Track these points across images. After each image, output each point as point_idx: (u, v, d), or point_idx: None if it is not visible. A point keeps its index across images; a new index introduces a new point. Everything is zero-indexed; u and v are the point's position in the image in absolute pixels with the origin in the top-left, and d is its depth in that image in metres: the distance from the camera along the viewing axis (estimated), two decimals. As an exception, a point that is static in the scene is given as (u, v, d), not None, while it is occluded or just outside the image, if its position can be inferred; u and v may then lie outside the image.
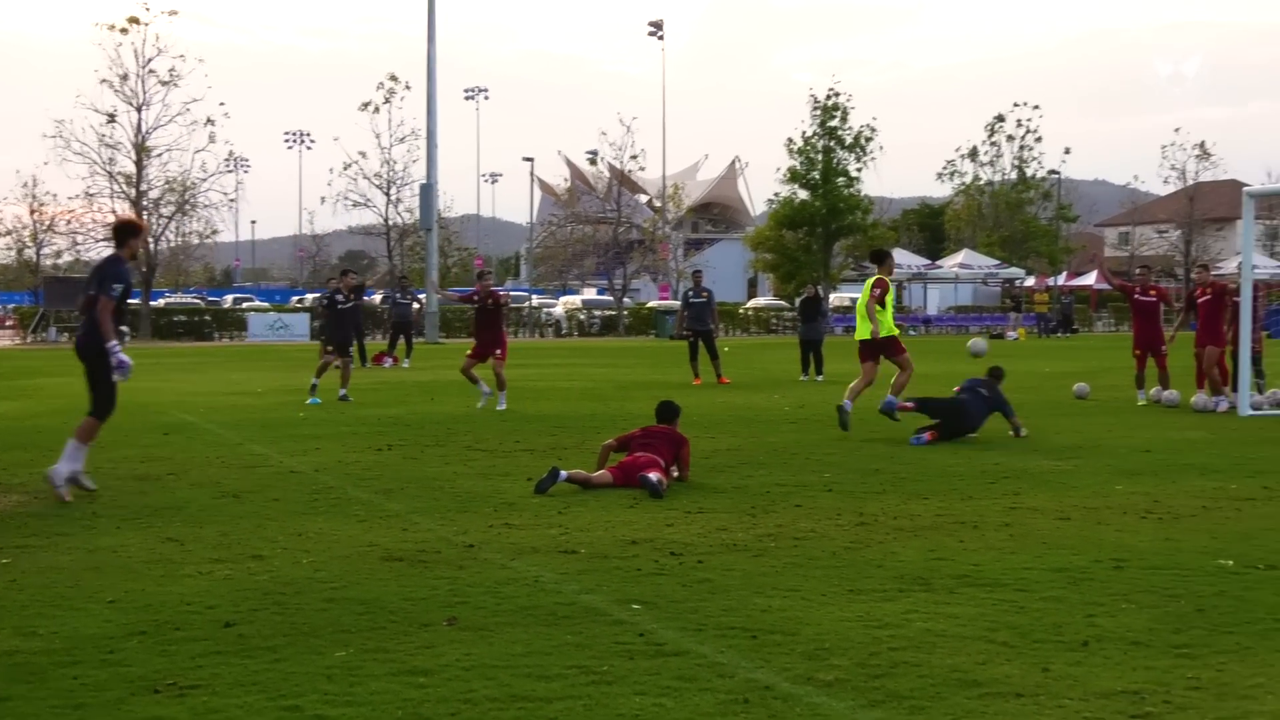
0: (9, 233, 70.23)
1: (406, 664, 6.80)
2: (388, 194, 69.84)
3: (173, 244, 65.99)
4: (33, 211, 69.17)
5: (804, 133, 72.39)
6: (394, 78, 69.57)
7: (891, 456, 15.43)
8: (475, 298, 22.47)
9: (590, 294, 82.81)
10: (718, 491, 12.74)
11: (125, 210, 60.17)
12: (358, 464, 14.89)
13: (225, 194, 66.01)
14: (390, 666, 6.76)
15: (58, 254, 69.08)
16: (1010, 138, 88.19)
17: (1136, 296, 23.09)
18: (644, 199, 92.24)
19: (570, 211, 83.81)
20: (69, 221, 63.58)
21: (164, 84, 60.71)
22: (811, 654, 6.99)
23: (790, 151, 72.60)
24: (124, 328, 12.85)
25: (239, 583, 8.71)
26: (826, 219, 71.50)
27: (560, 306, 74.40)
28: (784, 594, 8.36)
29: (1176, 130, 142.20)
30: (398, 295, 39.22)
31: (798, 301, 37.45)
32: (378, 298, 57.41)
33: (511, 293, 69.59)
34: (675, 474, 13.20)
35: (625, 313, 70.81)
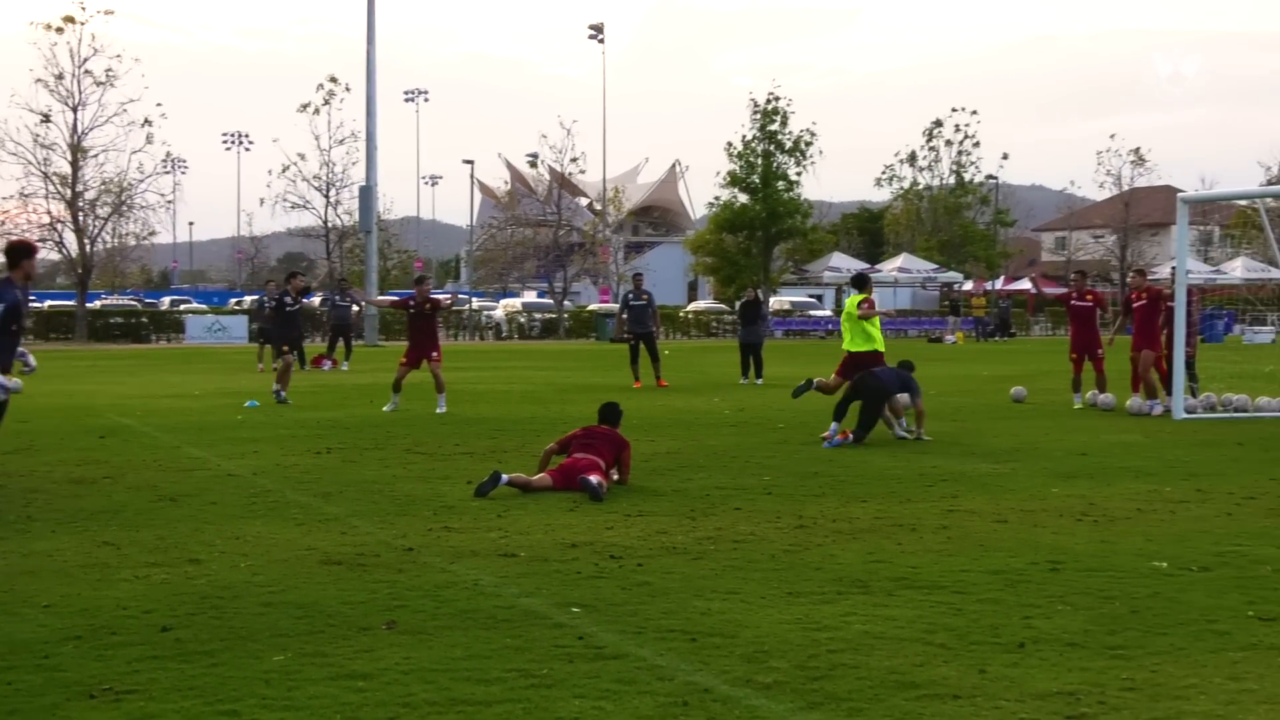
0: (-59, 233, 69.36)
1: (345, 668, 6.78)
2: (327, 196, 69.42)
3: (109, 245, 65.24)
4: (-36, 212, 68.34)
5: (744, 137, 72.53)
6: (334, 79, 69.15)
7: (830, 460, 15.49)
8: (411, 303, 22.28)
9: (531, 297, 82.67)
10: (658, 495, 12.75)
11: (61, 211, 59.63)
12: (296, 467, 14.81)
13: (162, 195, 65.45)
14: (329, 670, 6.74)
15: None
16: (948, 143, 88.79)
17: (1073, 302, 23.28)
18: (584, 202, 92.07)
19: (510, 214, 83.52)
20: (2, 222, 62.80)
21: (100, 84, 60.07)
22: (751, 656, 7.01)
23: (730, 155, 72.73)
24: (21, 349, 12.58)
25: (176, 587, 8.66)
26: (766, 223, 71.63)
27: (500, 309, 74.23)
28: (723, 597, 8.39)
29: (1112, 136, 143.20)
30: (337, 298, 39.07)
31: (737, 305, 37.53)
32: (317, 300, 57.13)
33: (459, 295, 69.47)
34: (615, 477, 13.21)
35: (566, 316, 70.71)
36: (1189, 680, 6.61)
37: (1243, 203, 76.84)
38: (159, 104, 63.66)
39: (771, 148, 72.24)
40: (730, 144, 72.76)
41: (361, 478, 13.90)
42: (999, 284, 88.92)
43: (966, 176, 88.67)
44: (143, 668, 6.79)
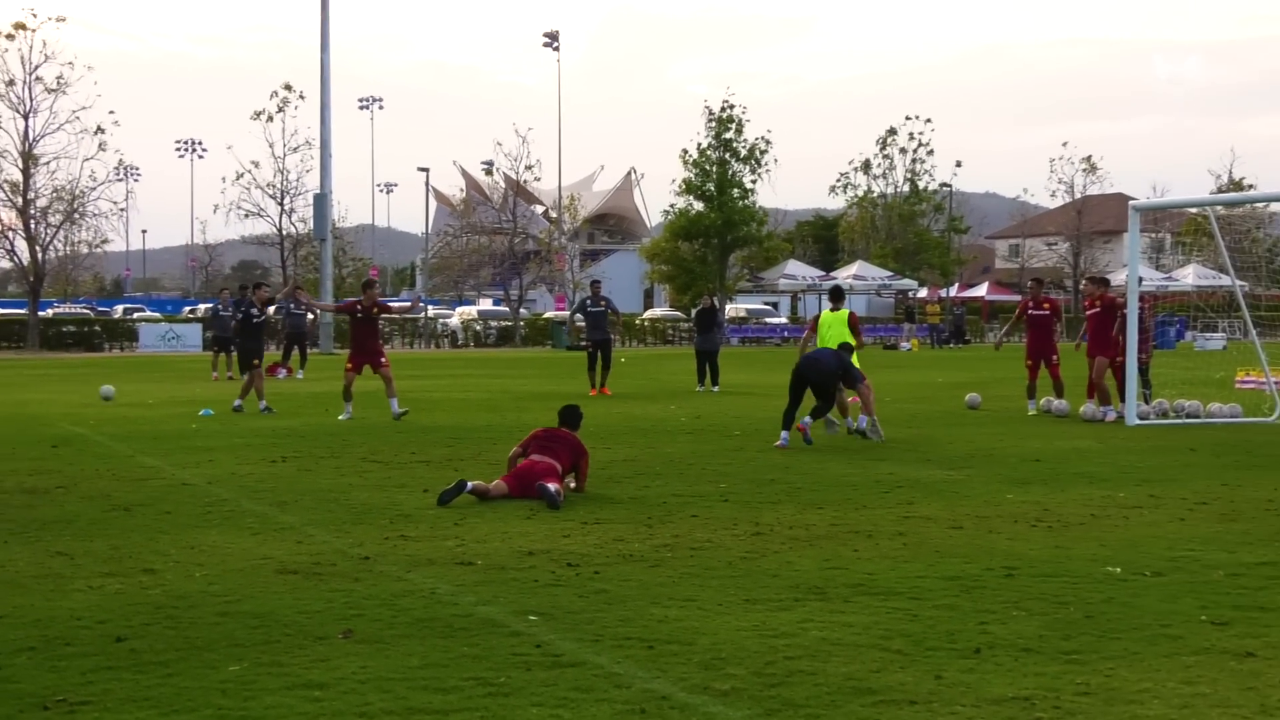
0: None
1: (302, 677, 6.76)
2: (281, 204, 69.15)
3: (61, 253, 64.71)
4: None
5: (699, 145, 72.65)
6: (288, 86, 68.84)
7: (787, 467, 15.53)
8: (359, 308, 22.16)
9: (486, 305, 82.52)
10: (614, 502, 12.76)
11: (12, 219, 59.16)
12: (251, 476, 14.74)
13: (115, 203, 64.96)
14: (285, 680, 6.71)
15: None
16: (902, 151, 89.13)
17: (1030, 310, 23.44)
18: (540, 210, 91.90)
19: (466, 222, 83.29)
20: (-48, 229, 62.23)
21: (51, 91, 59.62)
22: (708, 663, 7.02)
23: (685, 163, 72.83)
24: None
25: (130, 597, 8.61)
26: (722, 231, 71.77)
27: (456, 317, 74.06)
28: (681, 604, 8.40)
29: (1064, 144, 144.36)
30: (291, 306, 38.92)
31: (693, 312, 37.55)
32: (271, 309, 56.80)
33: (422, 301, 69.21)
34: (572, 485, 13.20)
35: (521, 324, 70.64)
36: (1143, 684, 6.66)
37: (1194, 210, 77.44)
38: (111, 111, 62.88)
39: (727, 155, 72.41)
40: (685, 152, 72.93)
41: (317, 486, 13.85)
42: (953, 291, 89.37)
43: (920, 184, 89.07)
44: (97, 679, 6.75)
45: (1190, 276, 75.61)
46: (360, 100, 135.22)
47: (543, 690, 6.55)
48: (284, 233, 69.85)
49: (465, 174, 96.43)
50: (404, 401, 21.94)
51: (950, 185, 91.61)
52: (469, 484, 12.65)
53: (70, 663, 7.04)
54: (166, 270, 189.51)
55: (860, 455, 16.72)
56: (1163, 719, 6.18)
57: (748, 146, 72.81)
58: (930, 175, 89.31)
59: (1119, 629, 7.75)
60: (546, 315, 75.49)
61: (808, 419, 17.76)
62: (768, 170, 73.42)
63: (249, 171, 68.98)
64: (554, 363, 45.75)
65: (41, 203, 60.69)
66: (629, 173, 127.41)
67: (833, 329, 19.88)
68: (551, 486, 12.39)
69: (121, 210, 67.60)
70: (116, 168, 65.33)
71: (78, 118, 60.02)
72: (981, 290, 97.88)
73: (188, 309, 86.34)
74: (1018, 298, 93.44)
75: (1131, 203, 23.15)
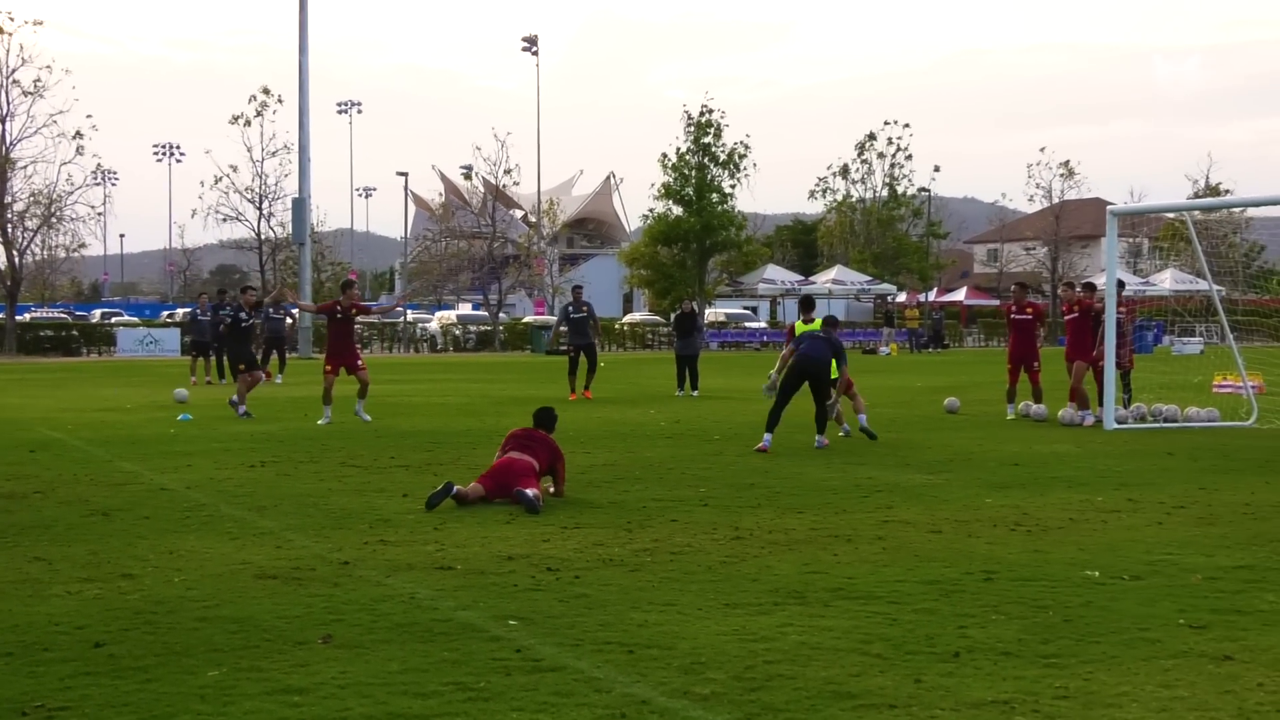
0: None
1: (281, 683, 6.74)
2: (260, 208, 68.91)
3: (38, 258, 64.51)
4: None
5: (678, 149, 72.76)
6: (266, 91, 68.65)
7: (766, 471, 15.54)
8: (339, 308, 22.15)
9: (466, 309, 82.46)
10: (594, 507, 12.75)
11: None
12: (230, 481, 14.71)
13: (93, 207, 64.63)
14: (264, 685, 6.70)
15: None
16: (881, 155, 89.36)
17: (1013, 315, 23.52)
18: (519, 214, 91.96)
19: (445, 226, 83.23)
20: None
21: (28, 94, 59.42)
22: (688, 668, 7.03)
23: (664, 168, 72.92)
24: None
25: (109, 602, 8.58)
26: (701, 235, 71.87)
27: (435, 322, 73.99)
28: (660, 608, 8.40)
29: (1042, 149, 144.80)
30: (270, 310, 38.84)
31: (673, 317, 37.53)
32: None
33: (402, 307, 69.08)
34: (551, 490, 13.20)
35: (501, 328, 70.59)
36: (1121, 688, 6.68)
37: (1171, 215, 77.68)
38: (89, 115, 62.94)
39: (705, 160, 72.50)
40: (664, 156, 73.03)
41: (296, 491, 13.82)
42: (932, 296, 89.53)
43: (899, 189, 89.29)
44: (76, 684, 6.72)
45: (1168, 281, 75.90)
46: (339, 104, 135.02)
47: (523, 695, 6.54)
48: (262, 237, 69.64)
49: (444, 178, 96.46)
50: (383, 406, 21.94)
51: (929, 190, 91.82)
52: (455, 486, 12.64)
53: (48, 668, 7.02)
54: (144, 275, 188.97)
55: (839, 460, 16.74)
56: (1141, 722, 6.20)
57: (726, 151, 72.95)
58: (909, 180, 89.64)
59: (1097, 633, 7.77)
60: (526, 320, 75.42)
61: (820, 438, 18.05)
62: (746, 175, 73.66)
63: (227, 176, 68.78)
64: (533, 367, 45.73)
65: (18, 207, 60.53)
66: (608, 177, 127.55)
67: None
68: (530, 492, 12.38)
69: (99, 214, 67.10)
70: (94, 172, 65.03)
71: (55, 121, 59.87)
72: (960, 295, 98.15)
73: (166, 313, 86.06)
74: (996, 302, 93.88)
75: (1109, 208, 23.25)
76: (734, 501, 13.08)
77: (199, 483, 14.52)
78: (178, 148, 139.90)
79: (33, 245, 61.89)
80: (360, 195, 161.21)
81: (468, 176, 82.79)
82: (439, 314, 79.20)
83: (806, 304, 20.96)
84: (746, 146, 73.50)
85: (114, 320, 73.25)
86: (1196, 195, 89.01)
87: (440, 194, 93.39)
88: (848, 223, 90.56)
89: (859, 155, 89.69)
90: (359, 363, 21.93)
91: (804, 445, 18.04)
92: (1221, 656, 7.26)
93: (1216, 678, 6.87)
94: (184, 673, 6.93)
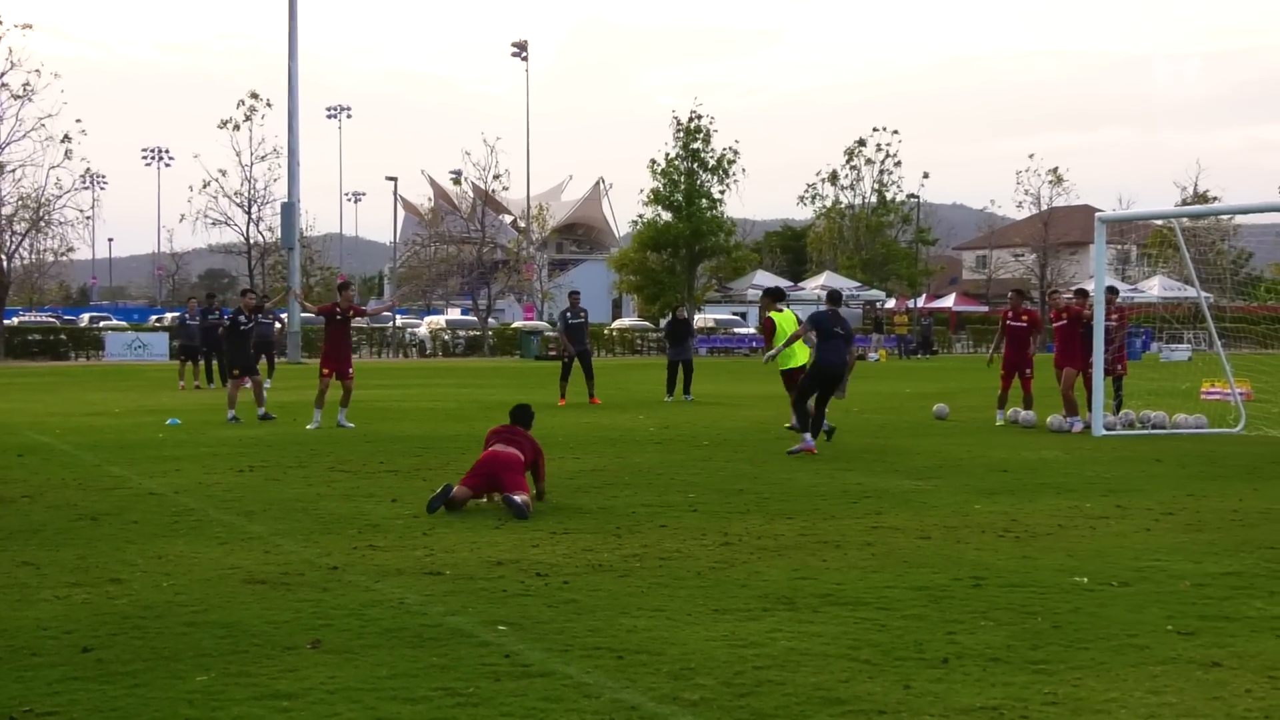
0: None
1: (270, 688, 6.73)
2: (249, 212, 68.79)
3: (27, 262, 64.29)
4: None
5: (667, 155, 72.72)
6: (254, 95, 68.53)
7: (755, 477, 15.55)
8: (338, 310, 22.21)
9: (455, 314, 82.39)
10: (583, 512, 12.75)
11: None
12: (219, 485, 14.69)
13: (81, 211, 64.48)
14: (253, 690, 6.69)
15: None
16: (870, 162, 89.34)
17: (1009, 321, 23.54)
18: (508, 219, 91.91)
19: (434, 231, 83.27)
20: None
21: (17, 98, 59.17)
22: (677, 674, 7.03)
23: (653, 173, 72.88)
24: None
25: (97, 607, 8.56)
26: (690, 241, 71.83)
27: (424, 327, 73.90)
28: (650, 614, 8.40)
29: (1031, 156, 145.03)
30: (259, 315, 38.75)
31: (666, 324, 37.42)
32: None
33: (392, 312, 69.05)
34: (536, 495, 13.20)
35: (490, 333, 70.52)
36: (1110, 694, 6.69)
37: (1159, 222, 77.84)
38: (78, 119, 62.49)
39: (695, 166, 72.46)
40: (654, 162, 72.95)
41: (285, 496, 13.80)
42: (921, 302, 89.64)
43: (888, 195, 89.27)
44: (64, 689, 6.71)
45: (1156, 288, 76.08)
46: (328, 109, 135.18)
47: (512, 700, 6.54)
48: (251, 241, 69.53)
49: (433, 183, 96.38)
50: (371, 411, 21.93)
51: (918, 196, 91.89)
52: (454, 488, 12.66)
53: (36, 673, 7.00)
54: (133, 279, 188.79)
55: (828, 466, 16.75)
56: (1129, 728, 6.21)
57: (716, 157, 72.89)
58: (898, 186, 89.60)
59: (1086, 639, 7.79)
60: (515, 325, 75.37)
61: (808, 437, 18.13)
62: (735, 180, 73.54)
63: (216, 180, 68.69)
64: (522, 372, 45.71)
65: (7, 210, 60.33)
66: (597, 182, 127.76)
67: (788, 330, 20.09)
68: (519, 498, 12.38)
69: (88, 218, 67.28)
70: (83, 175, 64.73)
71: (44, 125, 59.67)
72: (949, 301, 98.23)
73: (154, 318, 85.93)
74: (985, 309, 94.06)
75: (1098, 214, 23.30)
76: (723, 507, 13.09)
77: (187, 487, 14.50)
78: (166, 152, 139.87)
79: (21, 249, 61.73)
80: (349, 200, 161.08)
81: (457, 181, 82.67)
82: (428, 319, 79.08)
83: (777, 294, 21.12)
84: (736, 152, 73.48)
85: (102, 324, 73.05)
86: (1185, 202, 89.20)
87: (429, 199, 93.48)
88: (837, 229, 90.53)
89: (848, 161, 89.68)
90: (350, 370, 22.00)
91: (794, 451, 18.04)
92: (1210, 663, 7.28)
93: (1205, 684, 6.88)
94: (172, 678, 6.92)
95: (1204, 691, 6.75)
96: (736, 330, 74.48)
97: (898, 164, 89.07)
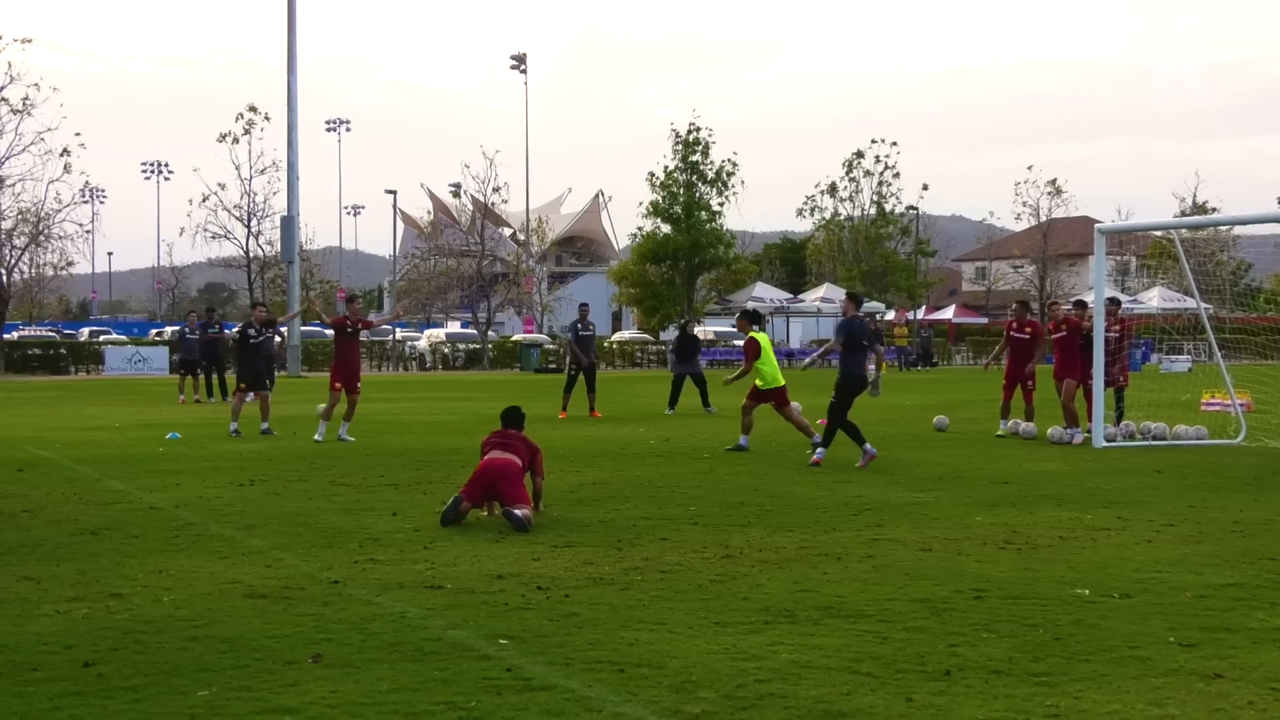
0: None
1: (271, 702, 6.73)
2: (248, 226, 68.87)
3: (26, 276, 64.32)
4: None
5: (666, 167, 72.81)
6: (253, 108, 68.60)
7: (756, 490, 15.54)
8: (348, 323, 22.29)
9: (454, 327, 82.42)
10: (584, 525, 12.75)
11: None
12: (219, 499, 14.68)
13: (81, 225, 64.60)
14: (254, 705, 6.68)
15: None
16: (869, 173, 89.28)
17: (1013, 333, 23.56)
18: (508, 232, 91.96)
19: (433, 244, 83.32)
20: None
21: (17, 112, 59.25)
22: (679, 686, 7.02)
23: (652, 186, 72.98)
24: None
25: (98, 622, 8.55)
26: (689, 253, 71.93)
27: (424, 340, 73.92)
28: (651, 627, 8.39)
29: (1029, 167, 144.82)
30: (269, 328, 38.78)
31: (675, 339, 37.20)
32: (236, 330, 56.62)
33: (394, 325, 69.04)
34: (535, 492, 13.21)
35: (490, 346, 70.55)
36: (1112, 706, 6.68)
37: (1159, 233, 77.88)
38: (78, 133, 62.74)
39: (694, 178, 72.59)
40: (653, 174, 73.08)
41: (286, 510, 13.80)
42: (921, 314, 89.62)
43: (887, 207, 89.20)
44: (64, 704, 6.70)
45: (1155, 299, 76.07)
46: (327, 122, 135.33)
47: (513, 714, 6.54)
48: (251, 255, 69.58)
49: (433, 196, 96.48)
50: (372, 425, 21.93)
51: (917, 208, 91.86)
52: (463, 501, 12.68)
53: (37, 688, 6.99)
54: (133, 293, 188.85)
55: (829, 478, 16.74)
56: (1132, 741, 6.20)
57: (715, 169, 73.02)
58: (897, 198, 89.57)
59: (1088, 651, 7.78)
60: (515, 338, 75.40)
61: (822, 450, 18.19)
62: (735, 193, 73.69)
63: (215, 194, 68.76)
64: (523, 385, 45.72)
65: (6, 225, 60.37)
66: (597, 195, 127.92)
67: (769, 350, 20.08)
68: (519, 512, 12.38)
69: (87, 232, 67.33)
70: (82, 190, 65.02)
71: (43, 139, 59.74)
72: (948, 313, 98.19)
73: (154, 332, 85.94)
74: (984, 320, 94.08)
75: (1097, 226, 23.33)
76: (724, 520, 13.08)
77: (188, 501, 14.50)
78: (166, 165, 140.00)
79: (20, 263, 61.77)
80: (349, 213, 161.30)
81: (456, 194, 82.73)
82: (428, 332, 79.11)
83: (755, 316, 21.32)
84: (735, 164, 73.67)
85: (102, 338, 73.17)
86: (1184, 213, 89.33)
87: (429, 212, 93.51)
88: (836, 241, 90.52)
89: (847, 173, 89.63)
90: (358, 384, 22.11)
91: (794, 463, 18.06)
92: (1212, 675, 7.27)
93: (1207, 696, 6.88)
94: (174, 692, 6.91)
95: (1206, 703, 6.75)
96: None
97: (896, 176, 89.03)
